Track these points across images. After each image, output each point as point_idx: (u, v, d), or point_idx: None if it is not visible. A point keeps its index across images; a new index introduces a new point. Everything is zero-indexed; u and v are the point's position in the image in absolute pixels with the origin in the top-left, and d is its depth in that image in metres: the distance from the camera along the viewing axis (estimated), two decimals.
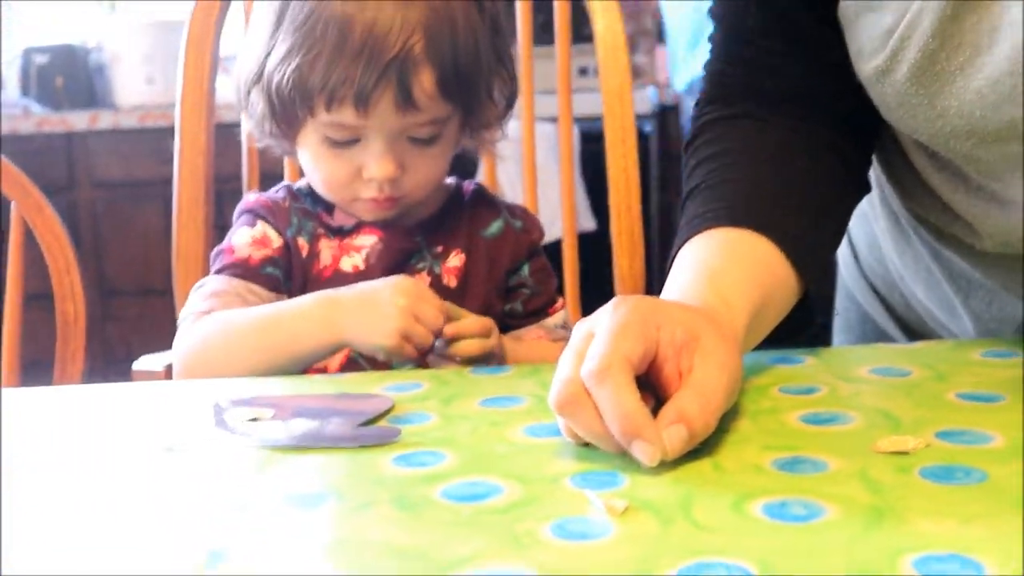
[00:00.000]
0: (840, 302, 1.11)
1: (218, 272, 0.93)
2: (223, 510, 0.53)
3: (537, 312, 1.00)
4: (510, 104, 0.97)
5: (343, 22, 0.84)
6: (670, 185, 3.06)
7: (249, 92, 0.92)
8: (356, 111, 0.86)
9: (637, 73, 3.29)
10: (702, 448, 0.57)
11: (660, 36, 3.49)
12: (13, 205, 1.27)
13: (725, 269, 0.72)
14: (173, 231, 1.21)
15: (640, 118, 2.82)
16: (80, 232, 3.07)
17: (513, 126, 1.01)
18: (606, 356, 0.56)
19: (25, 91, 3.26)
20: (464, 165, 1.03)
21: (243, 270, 0.92)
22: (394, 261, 0.94)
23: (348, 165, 0.90)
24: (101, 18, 3.40)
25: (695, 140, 0.84)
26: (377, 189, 0.90)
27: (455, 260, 0.97)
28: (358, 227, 0.95)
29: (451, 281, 0.96)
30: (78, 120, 3.08)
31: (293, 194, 0.97)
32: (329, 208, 0.96)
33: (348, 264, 0.94)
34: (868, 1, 0.72)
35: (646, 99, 3.02)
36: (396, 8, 0.84)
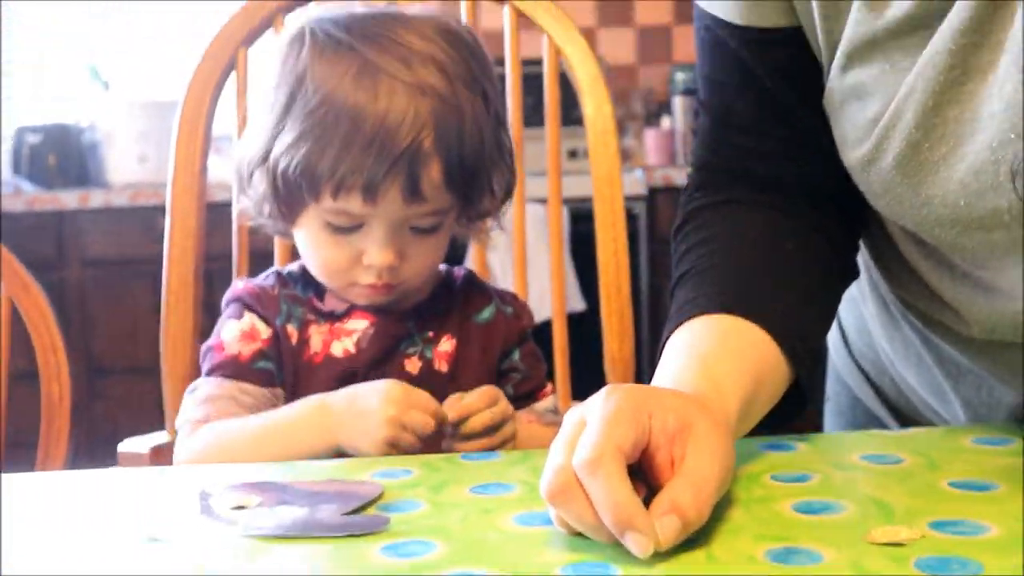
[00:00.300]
0: (831, 386, 1.11)
1: (210, 372, 0.93)
2: None
3: (527, 396, 1.00)
4: (507, 195, 0.98)
5: (355, 113, 0.84)
6: (659, 268, 3.07)
7: (252, 173, 0.92)
8: (364, 200, 0.86)
9: (626, 156, 3.32)
10: (695, 538, 0.57)
11: (648, 119, 3.54)
12: (0, 284, 1.26)
13: (716, 356, 0.72)
14: (162, 312, 1.20)
15: (629, 200, 2.84)
16: (68, 310, 3.06)
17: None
18: (598, 445, 0.56)
19: (16, 169, 3.27)
20: (454, 247, 1.03)
21: (233, 369, 0.92)
22: (385, 346, 0.94)
23: (348, 251, 0.90)
24: (95, 97, 3.43)
25: (684, 226, 0.85)
26: (376, 276, 0.90)
27: (446, 345, 0.96)
28: (349, 311, 0.94)
29: (442, 366, 0.96)
30: (69, 199, 3.08)
31: (283, 280, 0.97)
32: (320, 292, 0.96)
33: (339, 348, 0.93)
34: (854, 91, 0.74)
35: (635, 182, 3.05)
36: (408, 100, 0.85)
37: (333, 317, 0.94)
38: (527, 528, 0.61)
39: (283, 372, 0.93)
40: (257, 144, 0.90)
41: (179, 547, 0.60)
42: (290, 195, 0.89)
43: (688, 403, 0.62)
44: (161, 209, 1.28)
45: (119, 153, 3.21)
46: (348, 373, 0.92)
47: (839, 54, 0.74)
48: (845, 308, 1.03)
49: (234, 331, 0.93)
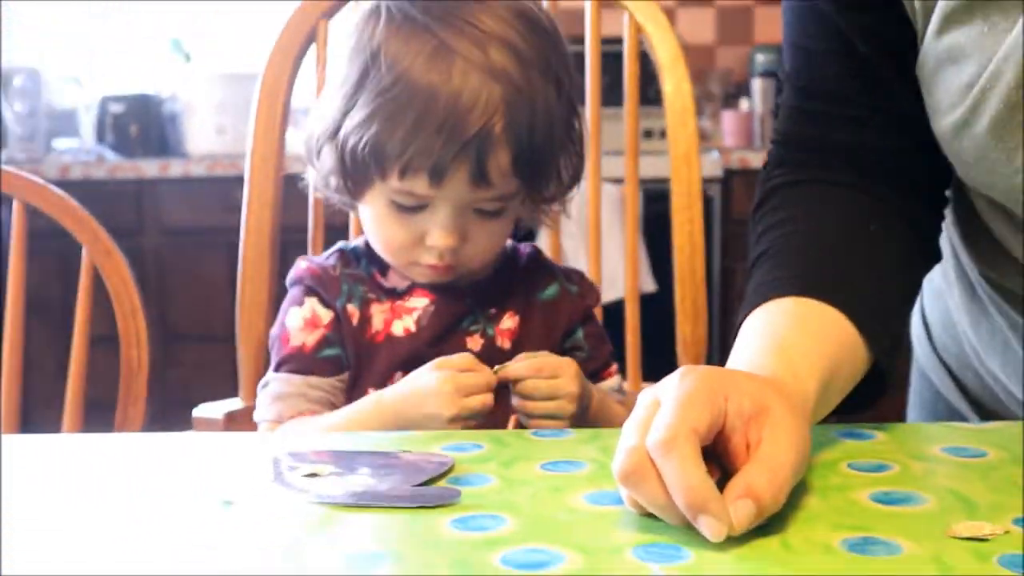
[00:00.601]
0: (914, 381, 1.08)
1: (278, 367, 0.94)
2: (279, 568, 0.53)
3: (591, 376, 0.98)
4: (574, 181, 0.97)
5: (428, 94, 0.84)
6: (732, 251, 3.04)
7: (320, 147, 0.92)
8: (430, 182, 0.86)
9: (702, 137, 3.28)
10: (769, 524, 0.56)
11: (726, 100, 3.49)
12: (84, 249, 1.29)
13: (793, 339, 0.70)
14: (238, 283, 1.22)
15: (705, 182, 2.81)
16: (146, 277, 3.12)
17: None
18: (672, 426, 0.55)
19: (100, 138, 3.34)
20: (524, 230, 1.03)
21: (300, 362, 0.93)
22: (446, 324, 0.94)
23: (412, 230, 0.90)
24: (176, 69, 3.48)
25: (763, 206, 0.83)
26: (437, 257, 0.90)
27: (509, 322, 0.96)
28: (411, 289, 0.95)
29: (504, 343, 0.95)
30: (149, 168, 3.14)
31: (345, 258, 0.97)
32: (383, 268, 0.96)
33: (400, 327, 0.93)
34: (950, 54, 0.71)
35: (711, 163, 3.01)
36: (481, 82, 0.84)
37: (395, 294, 0.95)
38: (597, 507, 0.60)
39: (347, 353, 0.94)
40: (328, 119, 0.90)
41: (252, 512, 0.61)
42: (357, 172, 0.89)
43: (764, 386, 0.61)
44: (238, 180, 1.30)
45: (198, 124, 3.26)
46: (411, 355, 0.92)
47: (935, 17, 0.72)
48: (930, 301, 1.01)
49: (297, 319, 0.94)
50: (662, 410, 0.57)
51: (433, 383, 0.83)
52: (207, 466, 0.71)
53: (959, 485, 0.63)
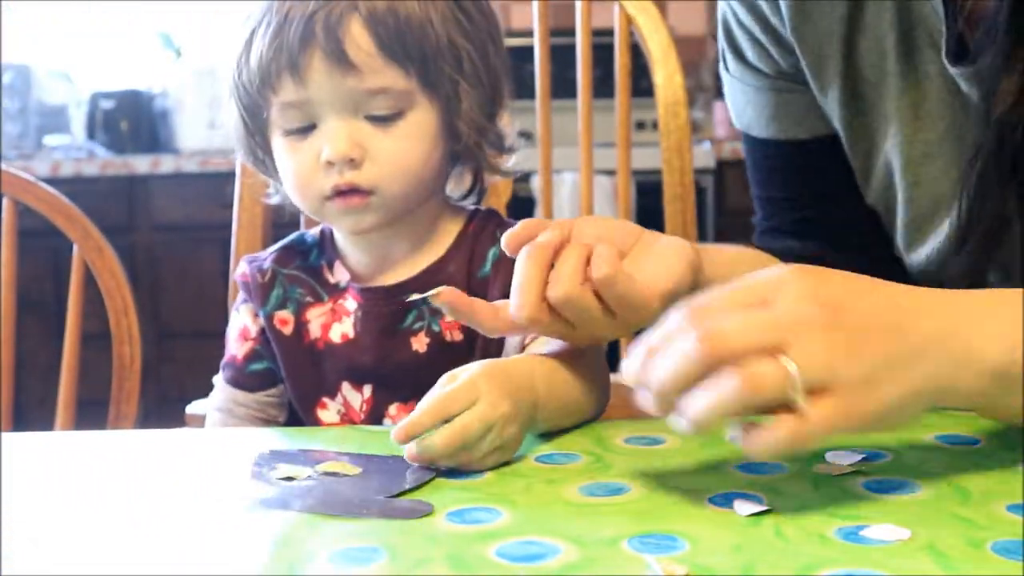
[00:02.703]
0: None
1: (223, 368, 0.93)
2: (272, 564, 0.53)
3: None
4: (494, 97, 0.87)
5: (279, 2, 0.82)
6: (726, 243, 3.04)
7: (234, 121, 0.89)
8: (294, 82, 0.81)
9: (694, 128, 3.28)
10: (764, 514, 0.56)
11: (718, 92, 3.49)
12: (75, 246, 1.28)
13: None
14: (230, 279, 1.22)
15: (697, 173, 2.81)
16: (138, 274, 3.11)
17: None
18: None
19: (91, 134, 3.33)
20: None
21: (232, 372, 0.92)
22: (384, 324, 0.86)
23: (308, 154, 0.83)
24: (167, 64, 3.47)
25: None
26: (337, 175, 0.82)
27: None
28: (347, 287, 0.89)
29: (455, 336, 0.86)
30: (140, 164, 3.13)
31: (289, 255, 0.91)
32: (331, 260, 0.90)
33: (337, 333, 0.88)
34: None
35: (703, 155, 3.01)
36: None
37: (336, 291, 0.89)
38: (592, 499, 0.60)
39: (277, 365, 0.90)
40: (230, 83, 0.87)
41: (242, 508, 0.61)
42: (252, 116, 0.86)
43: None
44: (230, 175, 1.30)
45: (189, 119, 3.25)
46: (352, 365, 0.87)
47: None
48: None
49: (235, 327, 0.93)
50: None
51: None
52: (199, 463, 0.71)
53: (952, 473, 0.63)
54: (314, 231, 0.94)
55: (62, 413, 1.29)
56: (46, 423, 1.27)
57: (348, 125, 0.82)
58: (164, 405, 3.02)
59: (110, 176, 3.13)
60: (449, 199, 0.92)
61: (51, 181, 1.37)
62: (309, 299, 0.89)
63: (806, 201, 0.95)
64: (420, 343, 0.86)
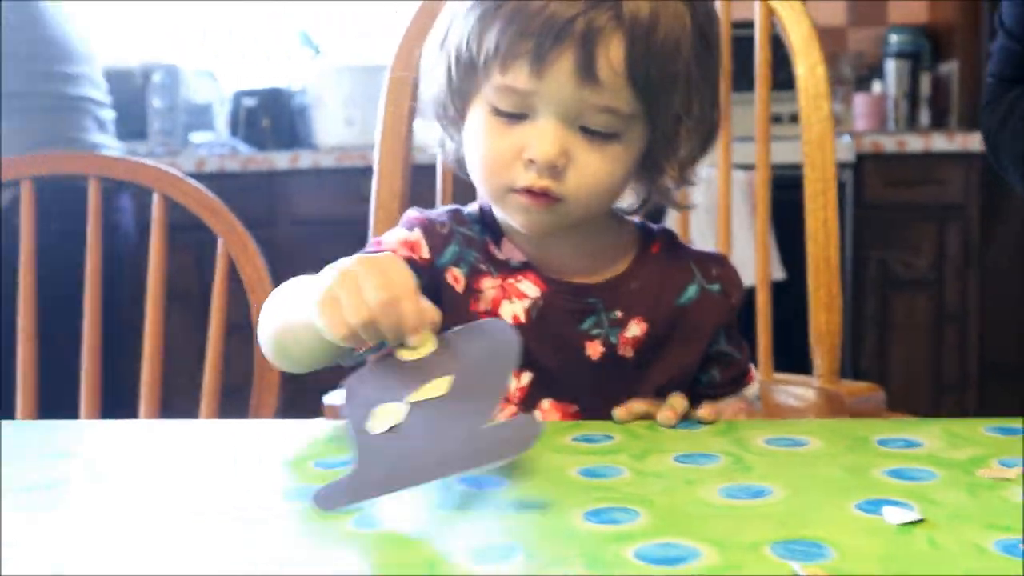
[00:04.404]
0: None
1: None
2: (410, 559, 0.53)
3: (732, 383, 0.90)
4: (706, 143, 0.85)
5: None
6: (865, 238, 2.95)
7: (432, 67, 0.85)
8: (530, 72, 0.77)
9: (834, 121, 3.20)
10: (917, 523, 0.53)
11: (858, 83, 3.39)
12: (220, 240, 1.32)
13: None
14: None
15: (836, 167, 2.73)
16: (277, 267, 3.19)
17: (704, 173, 0.94)
18: None
19: (234, 131, 3.44)
20: (651, 215, 0.97)
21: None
22: (561, 322, 0.84)
23: (511, 143, 0.80)
24: (306, 62, 3.55)
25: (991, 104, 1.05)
26: (535, 175, 0.79)
27: (635, 329, 0.85)
28: (524, 268, 0.86)
29: (627, 352, 0.85)
30: (280, 160, 3.21)
31: (460, 218, 0.89)
32: (497, 237, 0.88)
33: (508, 312, 0.85)
34: None
35: (843, 148, 2.93)
36: None
37: (508, 269, 0.86)
38: (732, 501, 0.59)
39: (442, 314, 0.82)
40: (439, 31, 0.84)
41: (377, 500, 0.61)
42: (462, 77, 0.81)
43: None
44: (367, 171, 1.31)
45: (327, 116, 3.32)
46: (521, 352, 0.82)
47: None
48: None
49: (399, 235, 0.87)
50: None
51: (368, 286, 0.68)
52: (335, 451, 0.72)
53: None
54: (471, 206, 0.91)
55: (206, 401, 1.33)
56: (191, 411, 1.31)
57: (562, 131, 0.79)
58: (302, 393, 3.10)
59: (251, 172, 3.22)
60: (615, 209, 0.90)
61: (196, 176, 1.41)
62: (483, 267, 0.86)
63: None
64: (594, 350, 0.85)
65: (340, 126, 3.29)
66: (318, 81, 3.40)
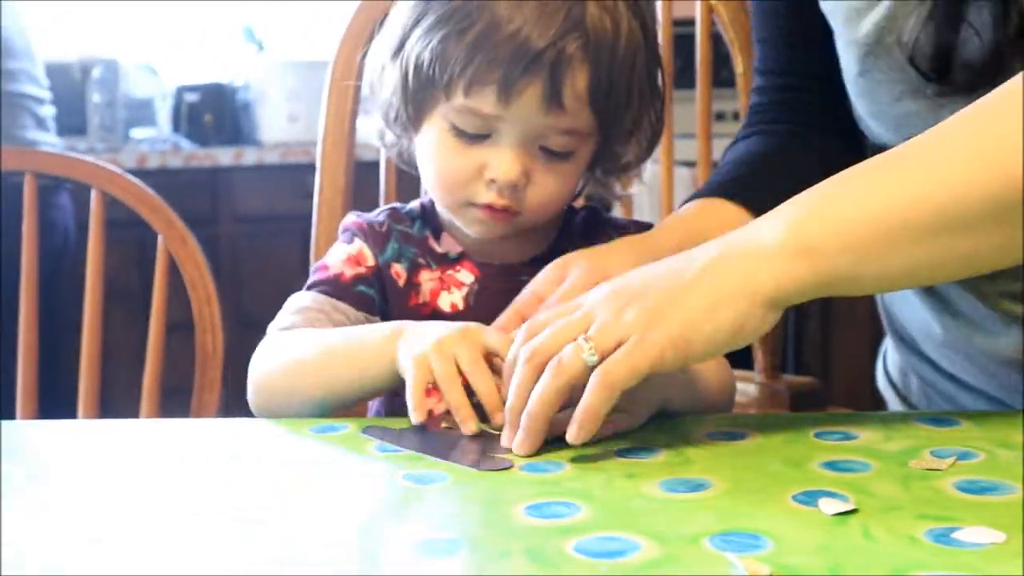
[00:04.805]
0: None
1: (309, 288, 0.89)
2: (352, 554, 0.53)
3: None
4: (651, 148, 0.91)
5: (503, 1, 0.78)
6: None
7: (383, 70, 0.86)
8: (497, 99, 0.78)
9: None
10: (852, 514, 0.54)
11: None
12: (160, 237, 1.31)
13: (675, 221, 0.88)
14: (311, 268, 1.23)
15: None
16: (220, 264, 3.16)
17: (650, 169, 0.98)
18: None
19: (176, 127, 3.39)
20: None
21: (333, 287, 0.87)
22: (497, 305, 0.83)
23: (471, 162, 0.82)
24: (249, 57, 3.52)
25: (733, 144, 0.99)
26: (496, 194, 0.82)
27: None
28: (461, 258, 0.89)
29: None
30: (224, 156, 3.18)
31: (397, 216, 0.92)
32: (437, 231, 0.91)
33: (447, 302, 0.88)
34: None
35: None
36: (560, 2, 0.78)
37: (446, 261, 0.89)
38: (673, 495, 0.59)
39: (387, 310, 0.88)
40: (393, 36, 0.84)
41: (324, 496, 0.61)
42: (420, 91, 0.82)
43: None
44: (311, 167, 1.31)
45: (271, 112, 3.29)
46: None
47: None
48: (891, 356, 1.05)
49: (341, 253, 0.90)
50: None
51: (444, 329, 0.74)
52: (279, 452, 0.72)
53: None
54: (412, 205, 0.94)
55: (146, 401, 1.31)
56: (131, 411, 1.30)
57: (524, 153, 0.82)
58: (245, 393, 3.07)
59: (194, 168, 3.18)
60: None
61: (137, 173, 1.40)
62: (421, 261, 0.90)
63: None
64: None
65: (284, 122, 3.26)
66: (261, 77, 3.37)
